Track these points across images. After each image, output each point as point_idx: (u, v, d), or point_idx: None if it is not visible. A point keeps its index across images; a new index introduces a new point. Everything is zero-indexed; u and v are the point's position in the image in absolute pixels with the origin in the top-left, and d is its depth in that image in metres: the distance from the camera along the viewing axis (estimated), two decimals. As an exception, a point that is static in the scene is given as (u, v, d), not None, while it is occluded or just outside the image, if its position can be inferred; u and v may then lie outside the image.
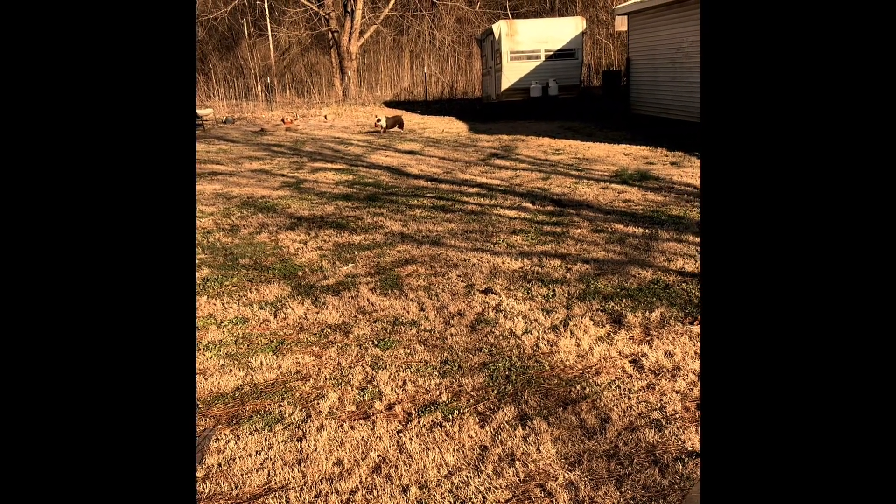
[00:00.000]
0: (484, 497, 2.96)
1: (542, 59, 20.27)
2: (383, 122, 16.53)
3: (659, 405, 3.63)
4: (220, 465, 3.26)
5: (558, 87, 20.21)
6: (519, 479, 3.09)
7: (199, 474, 3.20)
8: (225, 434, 3.52)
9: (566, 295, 5.26)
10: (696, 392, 3.77)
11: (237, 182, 10.39)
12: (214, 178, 10.70)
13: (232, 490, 3.08)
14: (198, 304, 5.31)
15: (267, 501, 2.98)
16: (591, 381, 3.94)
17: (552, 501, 2.92)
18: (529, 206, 8.33)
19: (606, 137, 14.33)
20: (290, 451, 3.35)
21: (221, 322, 4.96)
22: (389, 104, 26.59)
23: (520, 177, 10.29)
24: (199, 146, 13.76)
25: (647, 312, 4.83)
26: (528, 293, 5.33)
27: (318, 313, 5.08)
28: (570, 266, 5.96)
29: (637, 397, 3.72)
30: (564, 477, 3.08)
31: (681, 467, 3.09)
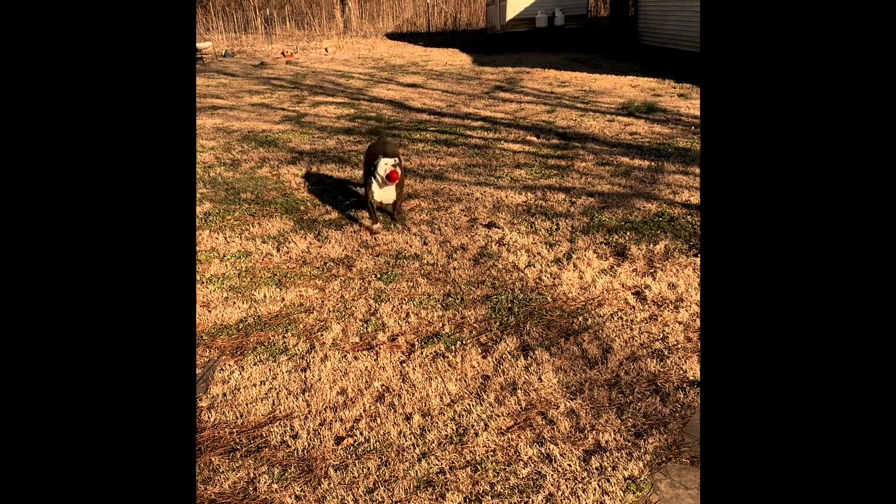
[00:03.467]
0: (486, 424, 3.00)
1: (548, -13, 19.63)
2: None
3: (661, 336, 3.64)
4: (224, 395, 3.30)
5: (564, 18, 19.64)
6: (521, 408, 3.12)
7: (204, 404, 3.24)
8: (229, 365, 3.55)
9: (570, 228, 5.22)
10: (699, 323, 3.77)
11: (237, 116, 10.25)
12: (215, 113, 10.55)
13: (237, 419, 3.13)
14: (200, 238, 5.30)
15: (272, 430, 3.03)
16: (593, 312, 3.94)
17: (553, 429, 2.95)
18: (534, 139, 8.20)
19: (613, 69, 14.02)
20: (294, 382, 3.39)
21: (224, 256, 4.96)
22: (391, 36, 25.97)
23: (524, 110, 10.11)
24: (199, 80, 13.53)
25: (651, 245, 4.80)
26: (532, 227, 5.30)
27: (320, 247, 5.06)
28: (574, 199, 5.90)
29: (639, 328, 3.72)
30: (566, 405, 3.11)
31: (682, 396, 3.11)
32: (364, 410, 3.15)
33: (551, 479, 2.64)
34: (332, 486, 2.66)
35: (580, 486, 2.59)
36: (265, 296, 4.31)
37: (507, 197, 6.02)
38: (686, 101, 10.23)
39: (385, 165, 4.96)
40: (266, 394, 3.30)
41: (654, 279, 4.27)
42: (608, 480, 2.61)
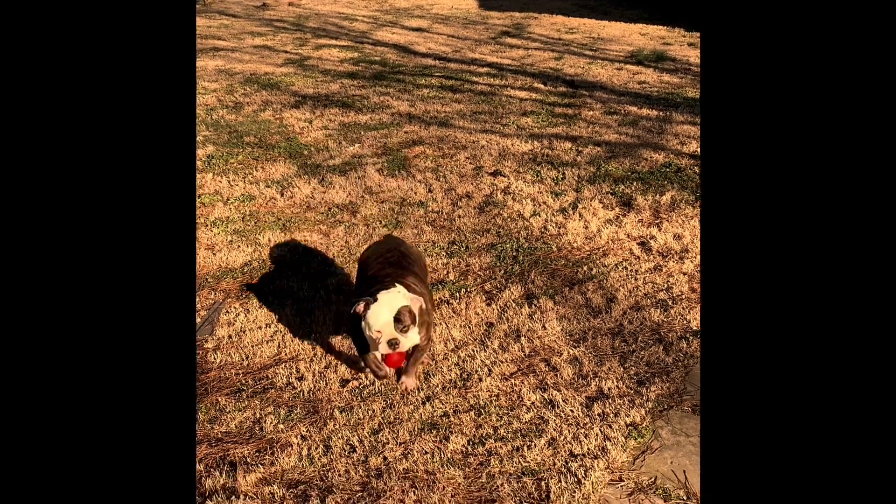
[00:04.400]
0: (490, 370, 3.03)
1: (559, -71, 19.02)
2: None
3: (665, 286, 3.64)
4: (230, 336, 3.32)
5: (574, -38, 19.09)
6: (524, 354, 3.15)
7: (210, 345, 3.26)
8: (235, 307, 3.56)
9: (576, 178, 5.18)
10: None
11: (239, 58, 10.07)
12: (216, 54, 10.37)
13: (243, 360, 3.15)
14: (203, 181, 5.26)
15: (277, 371, 3.06)
16: (598, 262, 3.94)
17: (556, 375, 2.98)
18: (541, 86, 8.07)
19: (623, 16, 13.71)
20: (299, 326, 3.41)
21: (228, 199, 4.93)
22: (396, -22, 25.28)
23: (531, 56, 9.93)
24: (200, 21, 13.25)
25: (658, 195, 4.77)
26: (538, 176, 5.25)
27: (324, 193, 5.03)
28: (580, 149, 5.84)
29: (644, 278, 3.73)
30: (569, 353, 3.13)
31: (685, 346, 3.13)
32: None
33: (553, 424, 2.67)
34: (337, 426, 2.70)
35: (582, 431, 2.63)
36: (269, 240, 4.30)
37: (512, 145, 5.96)
38: (696, 51, 10.04)
39: (383, 331, 2.54)
40: (272, 336, 3.32)
41: (659, 230, 4.26)
42: (610, 426, 2.64)
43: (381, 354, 2.62)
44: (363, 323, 2.58)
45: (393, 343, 2.54)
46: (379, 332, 2.53)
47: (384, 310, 2.53)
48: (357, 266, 3.26)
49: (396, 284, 2.65)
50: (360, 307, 2.58)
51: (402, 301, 2.56)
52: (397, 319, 2.52)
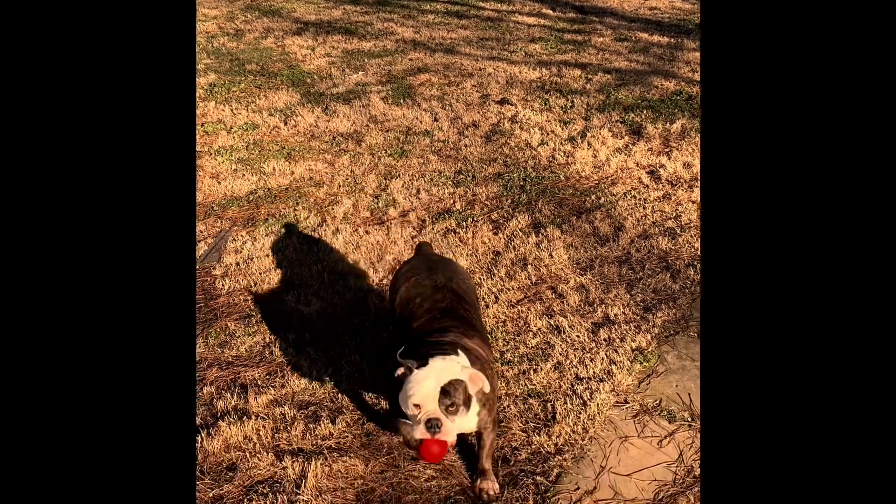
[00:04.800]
0: (497, 297, 3.04)
1: None
2: None
3: (674, 214, 3.61)
4: (238, 264, 3.33)
5: None
6: (531, 282, 3.15)
7: (218, 272, 3.27)
8: (241, 235, 3.56)
9: (585, 106, 5.08)
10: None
11: (239, -16, 9.77)
12: (214, -20, 10.06)
13: (251, 287, 3.17)
14: (206, 109, 5.18)
15: (285, 298, 3.07)
16: (606, 191, 3.90)
17: (563, 302, 2.99)
18: (550, 12, 7.84)
19: (635, -61, 13.20)
20: (306, 253, 3.41)
21: (231, 128, 4.87)
22: None
23: (540, -18, 9.61)
24: (196, -56, 12.83)
25: (668, 124, 4.68)
26: (546, 104, 5.15)
27: (328, 121, 4.95)
28: (590, 76, 5.71)
29: (652, 207, 3.70)
30: (576, 280, 3.14)
31: (692, 273, 3.13)
32: (377, 283, 3.19)
33: (560, 349, 2.70)
34: (345, 350, 2.73)
35: (588, 355, 2.65)
36: (274, 169, 4.26)
37: (520, 72, 5.83)
38: (711, -25, 9.69)
39: (423, 405, 1.89)
40: (279, 264, 3.33)
41: (669, 158, 4.20)
42: (616, 351, 2.67)
43: (416, 440, 1.95)
44: (402, 390, 1.91)
45: (433, 425, 1.84)
46: (418, 406, 1.86)
47: (430, 379, 1.86)
48: (390, 294, 2.49)
49: (459, 352, 1.99)
50: (401, 371, 1.93)
51: (457, 373, 1.89)
52: (445, 393, 1.85)
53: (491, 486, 2.11)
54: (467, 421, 1.94)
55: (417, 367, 1.88)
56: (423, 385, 1.85)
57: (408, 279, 2.36)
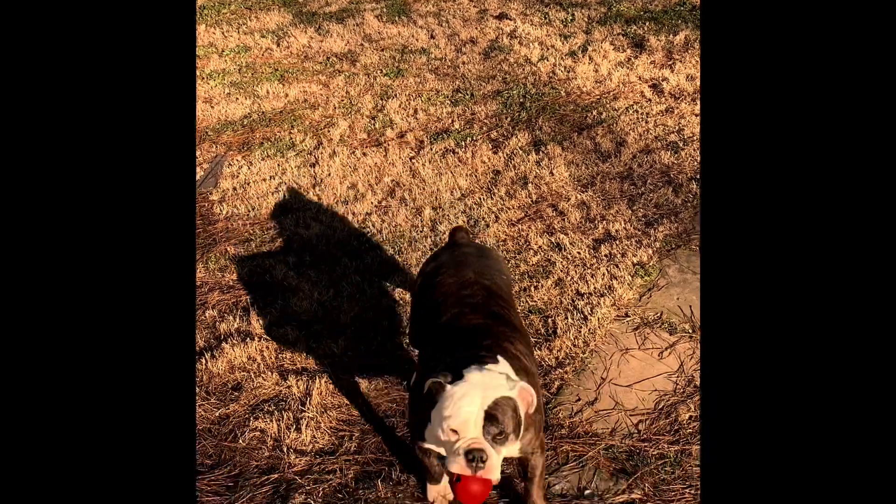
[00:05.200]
0: (497, 216, 3.01)
1: None
2: None
3: (677, 128, 3.54)
4: (235, 189, 3.29)
5: None
6: (531, 201, 3.12)
7: (215, 197, 3.24)
8: (237, 160, 3.51)
9: (586, 19, 4.91)
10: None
11: None
12: None
13: (249, 212, 3.14)
14: (196, 32, 5.03)
15: (284, 222, 3.05)
16: (608, 106, 3.81)
17: (564, 220, 2.96)
18: (549, -78, 7.50)
19: None
20: (303, 176, 3.36)
21: (223, 51, 4.73)
22: None
23: None
24: None
25: (671, 35, 4.53)
26: (546, 18, 4.98)
27: (322, 42, 4.81)
28: (591, -12, 5.50)
29: (655, 121, 3.62)
30: (577, 197, 3.10)
31: (694, 186, 3.09)
32: (375, 205, 3.15)
33: (560, 266, 2.69)
34: (346, 272, 2.72)
35: (589, 271, 2.65)
36: (268, 91, 4.17)
37: (519, -14, 5.61)
38: None
39: (462, 432, 1.48)
40: (276, 188, 3.29)
41: (672, 71, 4.08)
42: (617, 266, 2.66)
43: (454, 476, 1.52)
44: (434, 409, 1.52)
45: (476, 458, 1.44)
46: (456, 432, 1.47)
47: (474, 398, 1.47)
48: (412, 292, 2.22)
49: (499, 359, 1.59)
50: (431, 382, 1.53)
51: (504, 390, 1.49)
52: (492, 419, 1.46)
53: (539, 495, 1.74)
54: (513, 448, 1.56)
55: (452, 382, 1.49)
56: (464, 405, 1.46)
57: (438, 271, 1.96)
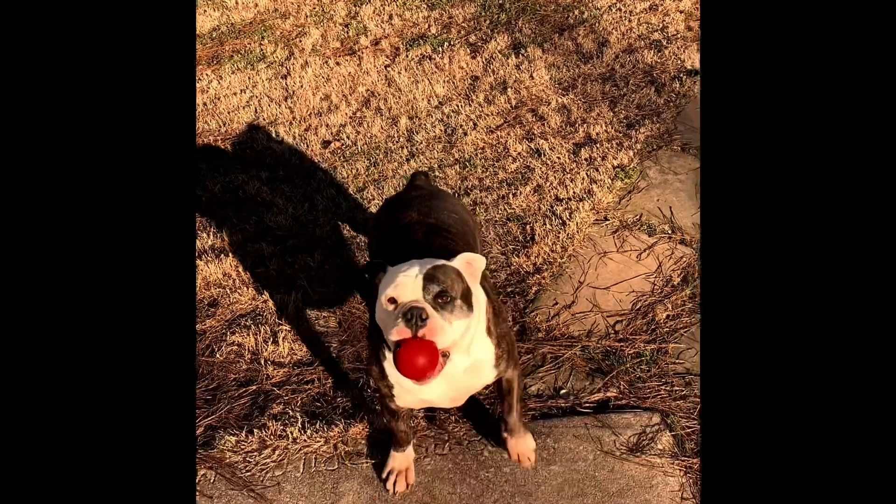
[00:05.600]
0: (475, 124, 2.93)
1: None
2: None
3: (661, 26, 3.40)
4: (205, 104, 3.19)
5: None
6: (511, 106, 3.03)
7: (185, 114, 3.15)
8: (207, 74, 3.38)
9: (568, -87, 4.65)
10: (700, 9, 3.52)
11: None
12: None
13: (221, 127, 3.05)
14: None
15: (257, 137, 2.97)
16: (589, 5, 3.66)
17: (544, 125, 2.89)
18: None
19: None
20: (275, 89, 3.25)
21: (186, -40, 4.50)
22: None
23: None
24: None
25: (658, -72, 4.30)
26: (526, -87, 4.72)
27: (292, -54, 4.57)
28: None
29: (638, 19, 3.47)
30: (557, 101, 3.01)
31: (678, 86, 2.99)
32: (350, 116, 3.06)
33: (539, 172, 2.63)
34: (321, 185, 2.67)
35: (568, 176, 2.59)
36: (237, 1, 3.98)
37: None
38: None
39: (400, 296, 1.34)
40: (248, 102, 3.19)
41: (658, -34, 3.90)
42: (596, 170, 2.60)
43: (393, 343, 1.32)
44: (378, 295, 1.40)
45: (414, 315, 1.29)
46: (394, 301, 1.34)
47: (412, 267, 1.37)
48: (371, 228, 2.04)
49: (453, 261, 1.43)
50: (368, 265, 1.48)
51: (443, 261, 1.41)
52: (431, 278, 1.34)
53: (524, 443, 1.68)
54: (459, 325, 1.34)
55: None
56: (400, 273, 1.35)
57: (378, 223, 1.85)
